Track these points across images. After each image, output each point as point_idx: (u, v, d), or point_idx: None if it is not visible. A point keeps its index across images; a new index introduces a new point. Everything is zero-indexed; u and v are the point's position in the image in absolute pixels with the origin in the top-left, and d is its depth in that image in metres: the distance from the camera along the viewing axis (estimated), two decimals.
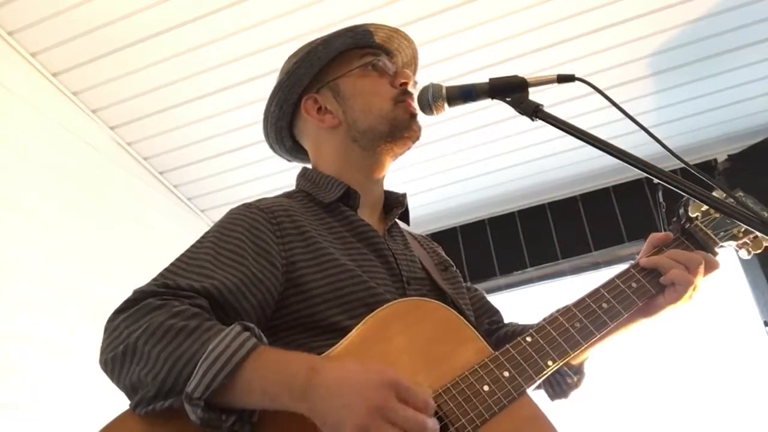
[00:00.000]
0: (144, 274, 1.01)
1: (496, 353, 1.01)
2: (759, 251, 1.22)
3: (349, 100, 1.22)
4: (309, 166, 1.31)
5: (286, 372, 0.84)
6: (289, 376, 0.84)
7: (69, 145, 2.58)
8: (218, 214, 1.11)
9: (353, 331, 0.99)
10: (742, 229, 1.20)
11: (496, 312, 1.36)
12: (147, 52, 2.45)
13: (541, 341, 1.03)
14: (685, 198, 1.20)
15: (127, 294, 0.96)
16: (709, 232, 1.18)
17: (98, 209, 2.65)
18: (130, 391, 0.89)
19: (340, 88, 1.23)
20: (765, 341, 2.70)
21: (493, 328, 1.31)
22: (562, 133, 1.02)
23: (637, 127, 1.05)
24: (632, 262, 1.17)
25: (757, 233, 1.18)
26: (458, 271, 1.32)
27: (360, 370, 0.84)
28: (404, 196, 1.30)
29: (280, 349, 0.90)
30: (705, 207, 1.20)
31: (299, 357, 0.88)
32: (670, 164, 1.82)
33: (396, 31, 1.29)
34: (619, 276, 1.14)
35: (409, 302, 1.06)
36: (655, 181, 0.94)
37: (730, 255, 1.25)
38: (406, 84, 1.24)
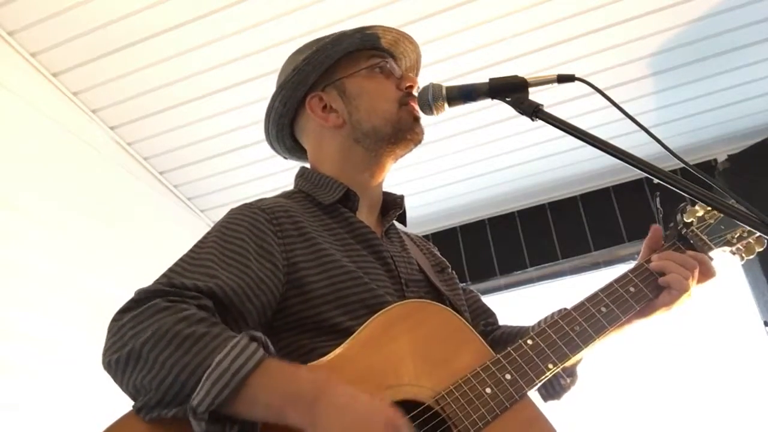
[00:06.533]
0: (144, 274, 1.01)
1: (498, 356, 1.02)
2: (751, 256, 1.25)
3: (355, 100, 1.22)
4: (307, 165, 1.31)
5: (292, 387, 0.85)
6: (295, 392, 0.84)
7: (69, 145, 2.58)
8: (218, 214, 1.11)
9: (358, 331, 0.99)
10: (736, 235, 1.23)
11: (492, 314, 1.37)
12: (147, 52, 2.45)
13: (542, 344, 1.05)
14: (681, 204, 1.24)
15: (128, 294, 0.95)
16: (704, 237, 1.21)
17: (98, 209, 2.64)
18: (133, 394, 0.89)
19: (346, 88, 1.23)
20: (765, 341, 2.69)
21: (488, 330, 1.31)
22: (562, 133, 1.02)
23: (637, 127, 1.05)
24: (631, 266, 1.19)
25: (750, 239, 1.21)
26: (454, 272, 1.32)
27: (367, 401, 0.85)
28: (402, 198, 1.30)
29: (286, 363, 0.89)
30: (700, 213, 1.24)
31: (307, 374, 0.89)
32: (670, 164, 1.82)
33: (403, 35, 1.29)
34: (617, 280, 1.16)
35: (413, 304, 1.07)
36: (655, 181, 0.95)
37: (730, 255, 1.27)
38: (411, 87, 1.24)
